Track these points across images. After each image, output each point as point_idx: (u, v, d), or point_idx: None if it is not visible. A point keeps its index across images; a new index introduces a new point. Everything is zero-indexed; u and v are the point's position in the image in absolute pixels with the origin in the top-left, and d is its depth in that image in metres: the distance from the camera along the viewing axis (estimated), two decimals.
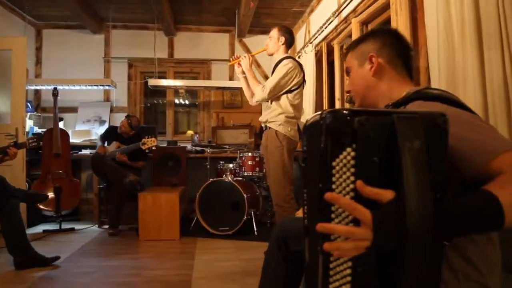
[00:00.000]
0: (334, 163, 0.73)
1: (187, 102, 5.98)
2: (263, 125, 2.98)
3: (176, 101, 5.82)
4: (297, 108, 2.88)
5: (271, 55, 3.01)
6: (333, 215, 0.74)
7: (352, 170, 0.73)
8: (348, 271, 0.75)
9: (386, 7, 3.02)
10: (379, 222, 0.71)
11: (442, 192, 0.75)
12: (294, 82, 2.81)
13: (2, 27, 4.57)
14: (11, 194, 2.77)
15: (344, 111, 0.74)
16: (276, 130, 2.79)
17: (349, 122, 0.73)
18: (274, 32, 2.95)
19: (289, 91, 2.81)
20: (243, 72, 3.00)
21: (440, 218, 0.72)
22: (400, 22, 2.76)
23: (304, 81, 2.94)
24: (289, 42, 2.97)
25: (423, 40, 2.45)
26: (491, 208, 0.74)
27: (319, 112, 0.79)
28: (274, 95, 2.80)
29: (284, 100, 2.82)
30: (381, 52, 1.11)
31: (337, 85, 4.14)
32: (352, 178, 0.73)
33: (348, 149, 0.73)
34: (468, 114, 0.91)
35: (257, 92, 2.83)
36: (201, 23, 5.48)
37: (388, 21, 3.07)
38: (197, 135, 5.28)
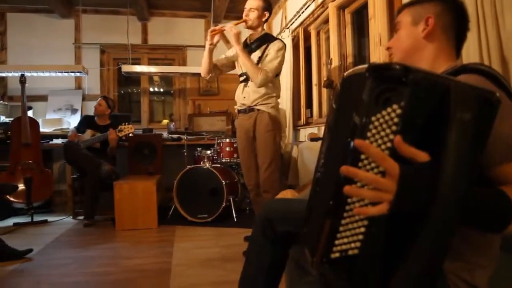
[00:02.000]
0: (373, 118, 0.69)
1: (161, 90, 5.85)
2: (242, 107, 2.80)
3: (151, 89, 5.69)
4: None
5: (250, 28, 2.74)
6: (360, 164, 0.70)
7: (394, 128, 0.68)
8: (362, 229, 0.71)
9: None
10: (406, 176, 0.68)
11: (475, 172, 0.72)
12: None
13: None
14: None
15: (397, 66, 0.69)
16: (268, 113, 2.69)
17: (401, 78, 0.68)
18: (258, 3, 2.66)
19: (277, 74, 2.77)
20: (212, 44, 2.68)
21: (468, 195, 0.71)
22: (377, 6, 2.76)
23: None
24: (268, 19, 2.79)
25: None
26: (505, 208, 0.74)
27: (364, 65, 0.73)
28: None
29: (277, 82, 2.77)
30: (439, 18, 1.03)
31: (314, 71, 4.14)
32: (391, 136, 0.68)
33: (395, 106, 0.68)
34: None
35: (262, 76, 2.58)
36: (175, 8, 5.34)
37: (365, 5, 3.07)
38: (173, 123, 5.18)
